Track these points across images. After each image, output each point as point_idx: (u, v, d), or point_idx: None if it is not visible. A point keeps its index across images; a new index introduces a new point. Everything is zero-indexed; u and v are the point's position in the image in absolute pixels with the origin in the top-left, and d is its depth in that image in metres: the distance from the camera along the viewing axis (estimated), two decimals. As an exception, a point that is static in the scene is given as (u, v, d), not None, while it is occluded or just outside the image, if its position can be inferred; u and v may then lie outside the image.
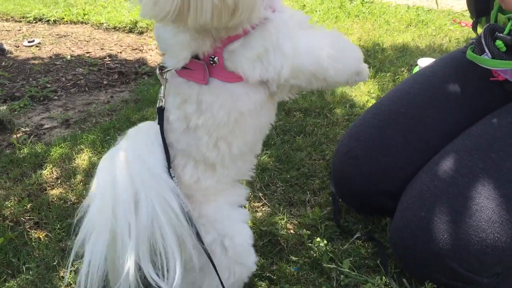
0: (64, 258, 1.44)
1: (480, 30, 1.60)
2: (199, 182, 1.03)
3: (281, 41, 0.93)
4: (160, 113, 1.00)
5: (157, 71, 1.01)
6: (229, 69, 0.95)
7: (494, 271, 1.18)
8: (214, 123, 0.97)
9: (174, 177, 0.97)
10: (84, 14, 4.15)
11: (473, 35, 3.21)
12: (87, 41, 3.61)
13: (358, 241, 1.46)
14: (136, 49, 3.44)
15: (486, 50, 1.42)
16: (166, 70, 0.99)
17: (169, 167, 0.98)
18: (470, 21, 3.54)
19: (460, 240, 1.14)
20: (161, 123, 1.00)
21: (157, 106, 1.01)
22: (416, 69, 2.19)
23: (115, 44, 3.54)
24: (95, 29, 3.93)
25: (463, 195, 1.17)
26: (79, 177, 1.83)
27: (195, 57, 0.95)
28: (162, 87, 1.01)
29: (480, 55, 1.43)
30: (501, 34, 1.29)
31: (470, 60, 1.45)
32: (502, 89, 1.44)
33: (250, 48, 0.93)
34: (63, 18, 4.10)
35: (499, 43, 1.29)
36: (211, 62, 0.95)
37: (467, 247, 1.14)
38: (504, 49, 1.29)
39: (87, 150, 1.99)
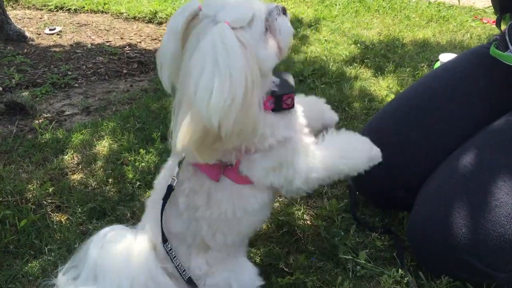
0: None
1: (504, 26, 1.58)
2: (189, 263, 1.11)
3: (296, 160, 1.05)
4: (169, 191, 1.07)
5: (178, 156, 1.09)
6: (242, 173, 1.05)
7: (511, 267, 1.18)
8: (218, 217, 1.05)
9: (170, 250, 1.07)
10: (105, 4, 4.17)
11: (496, 31, 3.17)
12: (107, 30, 3.64)
13: (374, 233, 1.46)
14: (155, 39, 3.46)
15: (511, 47, 1.41)
16: (184, 158, 1.07)
17: (164, 242, 1.07)
18: (492, 18, 3.49)
19: (478, 235, 1.14)
20: (165, 200, 1.07)
21: (168, 183, 1.08)
22: (437, 64, 2.18)
23: (134, 34, 3.57)
24: (115, 18, 3.95)
25: (483, 190, 1.17)
26: (99, 163, 1.86)
27: None
28: (177, 168, 1.08)
29: (504, 52, 1.43)
30: (526, 31, 1.28)
31: (493, 56, 1.44)
32: (525, 85, 1.43)
33: (267, 162, 1.04)
34: (84, 7, 4.13)
35: (524, 40, 1.29)
36: (228, 164, 1.04)
37: (485, 242, 1.14)
38: (528, 46, 1.28)
39: (107, 137, 2.02)
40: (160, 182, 1.15)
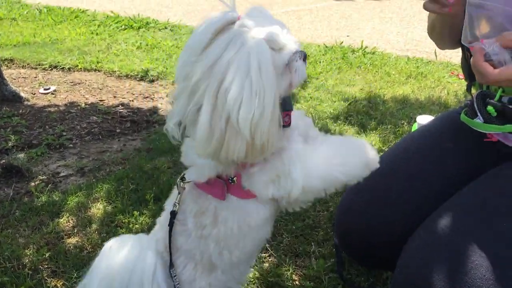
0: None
1: (474, 91, 1.72)
2: (194, 282, 1.16)
3: (292, 169, 1.06)
4: (172, 217, 1.13)
5: (178, 181, 1.15)
6: (244, 188, 1.09)
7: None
8: (225, 235, 1.11)
9: (175, 276, 1.12)
10: (98, 62, 4.33)
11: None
12: (101, 89, 3.76)
13: (360, 293, 1.53)
14: (147, 97, 3.58)
15: (479, 114, 1.53)
16: (187, 181, 1.13)
17: (170, 267, 1.13)
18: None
19: (456, 297, 1.21)
20: (171, 226, 1.13)
21: (171, 210, 1.14)
22: (415, 126, 2.31)
23: (127, 92, 3.70)
24: (108, 76, 4.09)
25: (460, 253, 1.25)
26: (94, 226, 1.92)
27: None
28: (179, 194, 1.14)
29: (473, 119, 1.55)
30: (492, 101, 1.40)
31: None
32: (495, 149, 1.54)
33: (265, 173, 1.07)
34: (77, 66, 4.27)
35: (490, 108, 1.41)
36: (230, 181, 1.09)
37: (462, 304, 1.21)
38: (495, 114, 1.40)
39: (102, 199, 2.09)
40: (168, 203, 1.21)
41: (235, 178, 1.08)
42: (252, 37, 0.95)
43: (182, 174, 1.15)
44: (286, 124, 1.10)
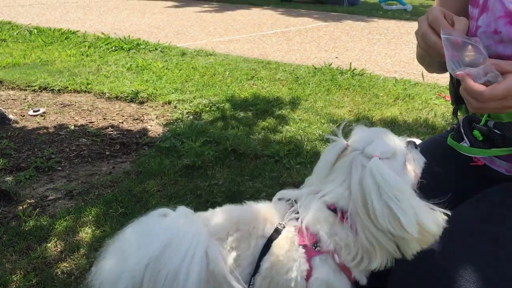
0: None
1: (460, 115, 1.75)
2: None
3: None
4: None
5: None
6: None
7: None
8: None
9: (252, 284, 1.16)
10: (88, 84, 4.34)
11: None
12: (90, 111, 3.76)
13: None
14: (137, 119, 3.59)
15: (465, 138, 1.56)
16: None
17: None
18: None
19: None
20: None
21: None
22: (402, 148, 2.32)
23: (117, 114, 3.70)
24: (97, 98, 4.10)
25: (447, 277, 1.26)
26: (82, 250, 1.90)
27: None
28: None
29: (460, 143, 1.57)
30: (478, 125, 1.43)
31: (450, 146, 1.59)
32: (481, 173, 1.57)
33: None
34: (67, 87, 4.28)
35: (476, 133, 1.43)
36: None
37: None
38: (481, 138, 1.42)
39: (90, 224, 2.08)
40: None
41: None
42: (362, 157, 1.16)
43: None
44: None
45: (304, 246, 1.18)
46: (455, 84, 1.69)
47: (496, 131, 1.40)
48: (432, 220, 1.17)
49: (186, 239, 1.07)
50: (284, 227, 1.21)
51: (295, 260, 1.18)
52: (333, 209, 1.19)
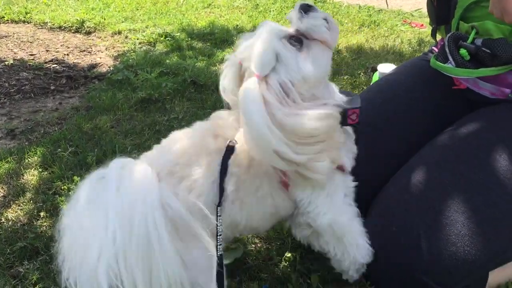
0: (17, 287, 1.34)
1: (439, 37, 1.61)
2: None
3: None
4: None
5: None
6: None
7: (463, 284, 1.19)
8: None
9: (220, 215, 1.02)
10: (26, 13, 3.92)
11: (424, 36, 3.27)
12: (31, 42, 3.41)
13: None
14: (84, 50, 3.28)
15: (450, 58, 1.42)
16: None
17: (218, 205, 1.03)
18: (420, 22, 3.60)
19: (431, 255, 1.14)
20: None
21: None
22: (376, 76, 2.20)
23: (61, 46, 3.37)
24: (38, 28, 3.72)
25: (433, 209, 1.17)
26: (28, 194, 1.71)
27: None
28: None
29: (444, 64, 1.44)
30: (465, 43, 1.30)
31: (433, 68, 1.45)
32: (465, 97, 1.46)
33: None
34: (3, 17, 3.86)
35: (463, 51, 1.30)
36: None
37: (438, 261, 1.13)
38: (468, 57, 1.29)
39: (36, 164, 1.87)
40: None
41: None
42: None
43: None
44: (353, 123, 1.11)
45: None
46: (435, 3, 1.54)
47: (485, 49, 1.28)
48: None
49: (138, 204, 0.90)
50: (236, 142, 1.06)
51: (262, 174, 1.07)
52: None
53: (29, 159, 1.91)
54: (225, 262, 1.07)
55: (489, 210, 1.17)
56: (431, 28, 1.63)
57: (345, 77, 2.59)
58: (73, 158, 1.91)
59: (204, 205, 0.99)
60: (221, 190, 1.03)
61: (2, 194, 1.72)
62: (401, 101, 1.47)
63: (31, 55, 3.16)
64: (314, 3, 4.13)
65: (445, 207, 1.16)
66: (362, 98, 1.57)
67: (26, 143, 2.06)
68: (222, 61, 2.90)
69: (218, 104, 2.36)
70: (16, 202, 1.68)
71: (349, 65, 2.79)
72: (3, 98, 2.52)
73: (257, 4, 4.19)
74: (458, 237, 1.14)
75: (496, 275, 1.25)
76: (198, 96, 2.47)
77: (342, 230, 1.14)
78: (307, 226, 1.16)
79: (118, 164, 0.96)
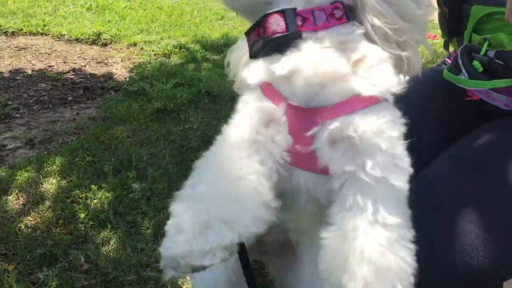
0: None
1: (451, 48, 1.63)
2: None
3: None
4: None
5: None
6: None
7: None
8: None
9: None
10: (44, 25, 4.00)
11: (437, 47, 3.27)
12: (49, 54, 3.48)
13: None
14: (100, 62, 3.34)
15: (463, 70, 1.44)
16: None
17: None
18: (433, 33, 3.58)
19: (445, 265, 1.15)
20: None
21: None
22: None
23: (78, 57, 3.43)
24: (56, 40, 3.79)
25: (447, 219, 1.18)
26: (47, 203, 1.75)
27: None
28: None
29: (457, 75, 1.45)
30: (478, 55, 1.31)
31: (446, 79, 1.47)
32: (478, 109, 1.47)
33: None
34: (22, 30, 3.93)
35: (476, 63, 1.31)
36: None
37: (451, 271, 1.14)
38: (481, 69, 1.31)
39: (54, 173, 1.91)
40: None
41: None
42: None
43: None
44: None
45: None
46: (447, 16, 1.56)
47: (498, 61, 1.29)
48: None
49: None
50: None
51: None
52: None
53: (48, 168, 1.95)
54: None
55: (503, 220, 1.17)
56: (443, 40, 1.65)
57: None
58: (91, 167, 1.95)
59: None
60: None
61: (21, 202, 1.76)
62: (415, 112, 1.48)
63: (49, 66, 3.22)
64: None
65: (459, 217, 1.17)
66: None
67: (45, 153, 2.10)
68: (236, 72, 2.94)
69: (232, 114, 2.40)
70: (35, 210, 1.71)
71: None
72: (22, 109, 2.57)
73: None
74: (472, 247, 1.14)
75: (510, 285, 1.25)
76: (212, 106, 2.50)
77: None
78: None
79: None
